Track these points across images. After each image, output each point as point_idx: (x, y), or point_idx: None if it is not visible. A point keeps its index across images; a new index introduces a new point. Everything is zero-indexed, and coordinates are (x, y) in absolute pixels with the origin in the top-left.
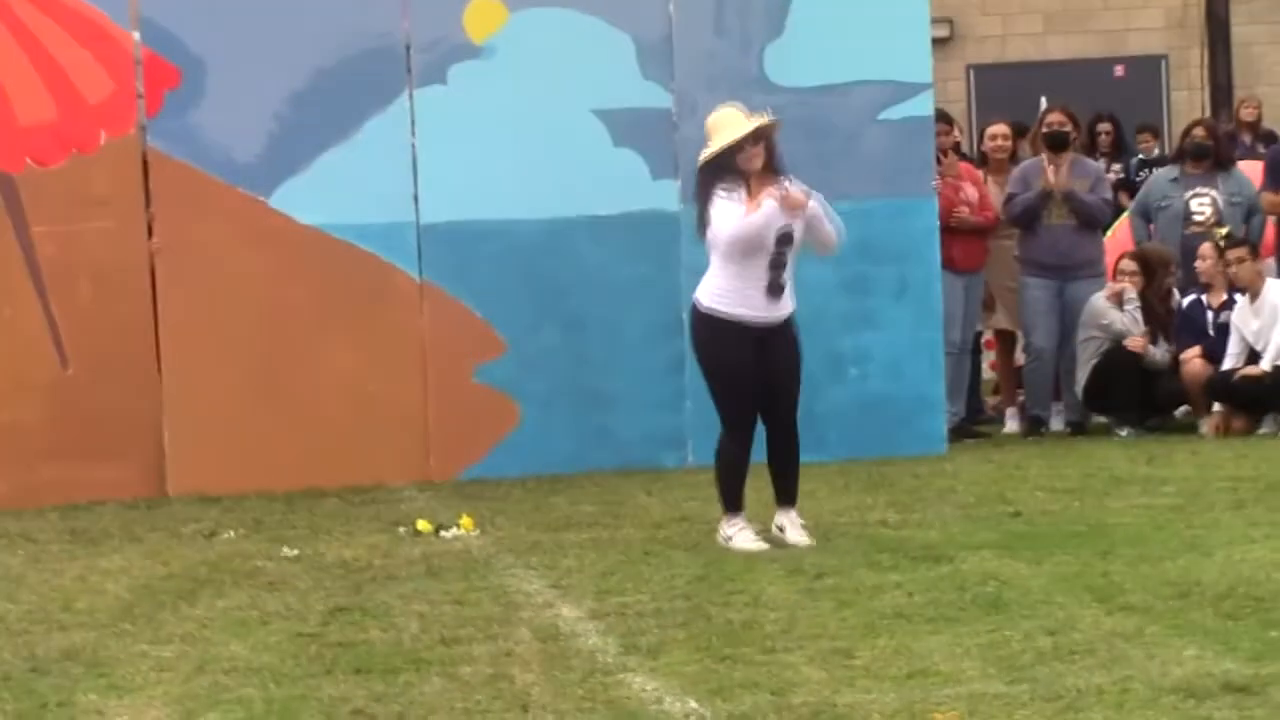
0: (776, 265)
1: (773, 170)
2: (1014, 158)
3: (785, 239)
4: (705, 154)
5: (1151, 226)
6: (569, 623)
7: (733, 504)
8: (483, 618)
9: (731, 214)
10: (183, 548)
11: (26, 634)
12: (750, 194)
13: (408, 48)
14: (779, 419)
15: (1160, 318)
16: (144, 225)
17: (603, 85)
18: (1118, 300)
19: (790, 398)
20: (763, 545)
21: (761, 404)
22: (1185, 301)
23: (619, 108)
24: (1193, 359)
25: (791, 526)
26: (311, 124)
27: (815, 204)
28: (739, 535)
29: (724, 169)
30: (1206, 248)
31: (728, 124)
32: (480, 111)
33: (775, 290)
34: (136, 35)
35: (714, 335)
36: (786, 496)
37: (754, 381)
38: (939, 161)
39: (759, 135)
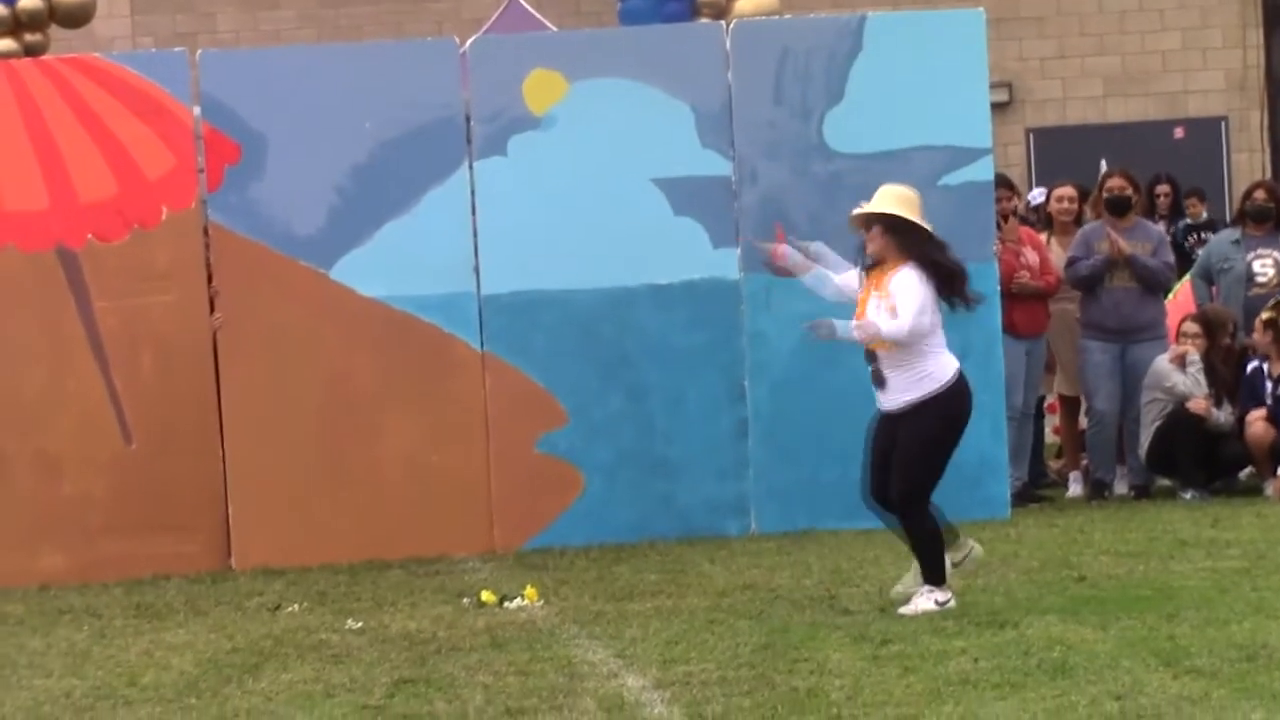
0: (870, 356)
1: (894, 261)
2: (1079, 220)
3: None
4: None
5: (1214, 288)
6: (634, 692)
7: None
8: (548, 688)
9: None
10: (247, 621)
11: (92, 710)
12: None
13: (468, 119)
14: (892, 498)
15: (1223, 380)
16: (205, 299)
17: (662, 154)
18: (1180, 363)
19: (896, 483)
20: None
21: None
22: (1249, 367)
23: (679, 176)
24: (1256, 421)
25: (910, 600)
26: (372, 196)
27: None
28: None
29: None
30: (1261, 319)
31: (874, 199)
32: (540, 181)
33: (877, 380)
34: (197, 110)
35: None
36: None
37: (882, 462)
38: (999, 226)
39: (878, 220)
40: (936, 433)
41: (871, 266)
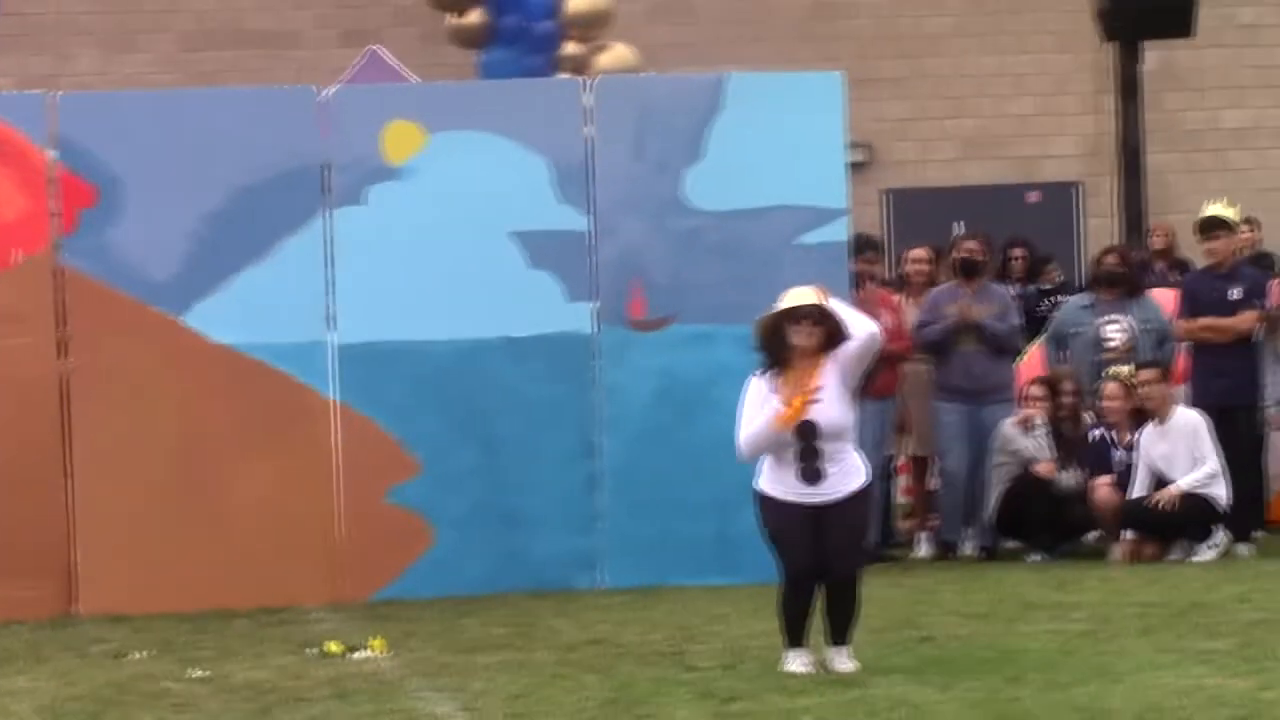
0: (807, 456)
1: (827, 354)
2: (933, 282)
3: (808, 430)
4: (764, 313)
5: (1065, 353)
6: None
7: (793, 640)
8: None
9: (748, 411)
10: (90, 668)
11: None
12: (786, 376)
13: (325, 168)
14: (834, 577)
15: (1069, 443)
16: (54, 343)
17: (520, 207)
18: (1026, 426)
19: (845, 561)
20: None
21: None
22: (1091, 435)
23: (536, 229)
24: (1103, 485)
25: (838, 658)
26: (227, 243)
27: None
28: (792, 661)
29: (776, 338)
30: (1113, 388)
31: (795, 296)
32: (398, 232)
33: (810, 477)
34: (53, 153)
35: (762, 510)
36: (837, 635)
37: (809, 538)
38: (860, 288)
39: (818, 315)
40: (869, 517)
41: (772, 368)
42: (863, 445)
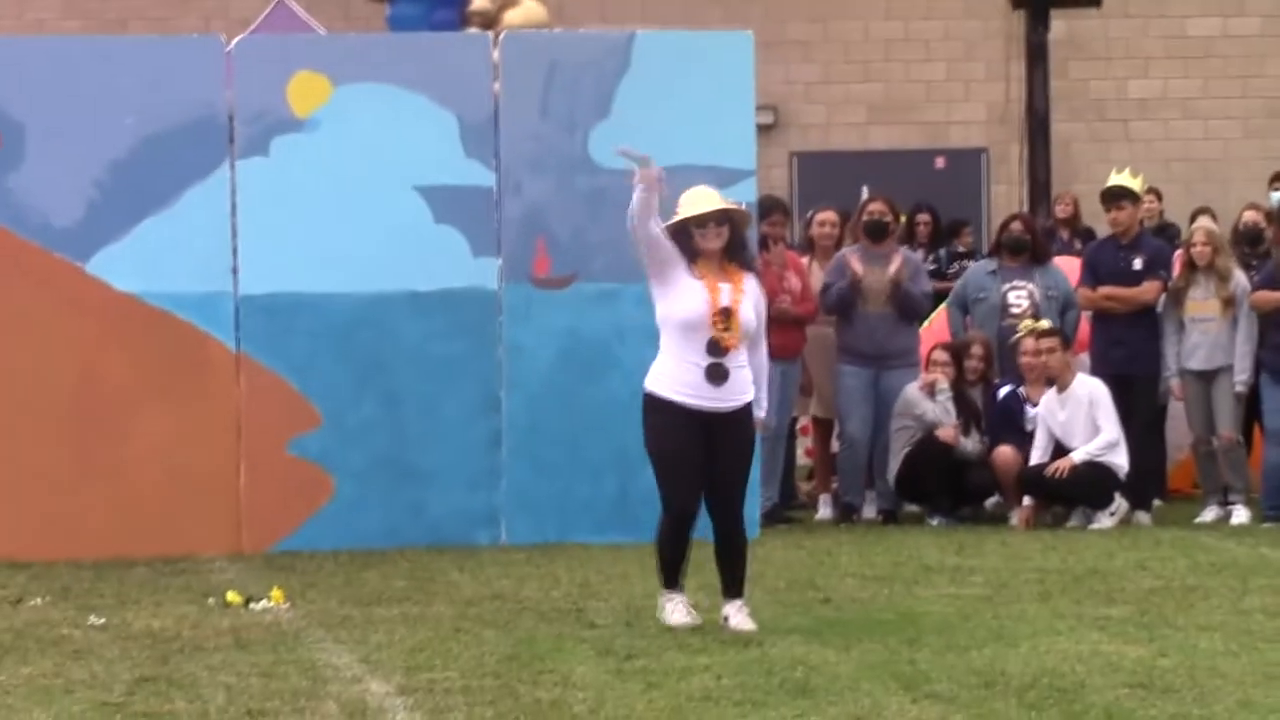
0: (715, 350)
1: (736, 261)
2: (839, 244)
3: (725, 315)
4: (668, 223)
5: (968, 318)
6: (377, 698)
7: (669, 581)
8: (290, 691)
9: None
10: None
11: None
12: (698, 275)
13: (230, 118)
14: (720, 511)
15: (972, 408)
16: None
17: (425, 162)
18: (930, 390)
19: (732, 490)
20: (694, 620)
21: (706, 493)
22: (1001, 393)
23: (441, 184)
24: (1003, 450)
25: (735, 615)
26: (131, 191)
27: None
28: (671, 610)
29: (681, 247)
30: (1031, 343)
31: (698, 199)
32: (302, 184)
33: (718, 375)
34: None
35: (651, 418)
36: (732, 588)
37: (695, 469)
38: (767, 248)
39: (726, 217)
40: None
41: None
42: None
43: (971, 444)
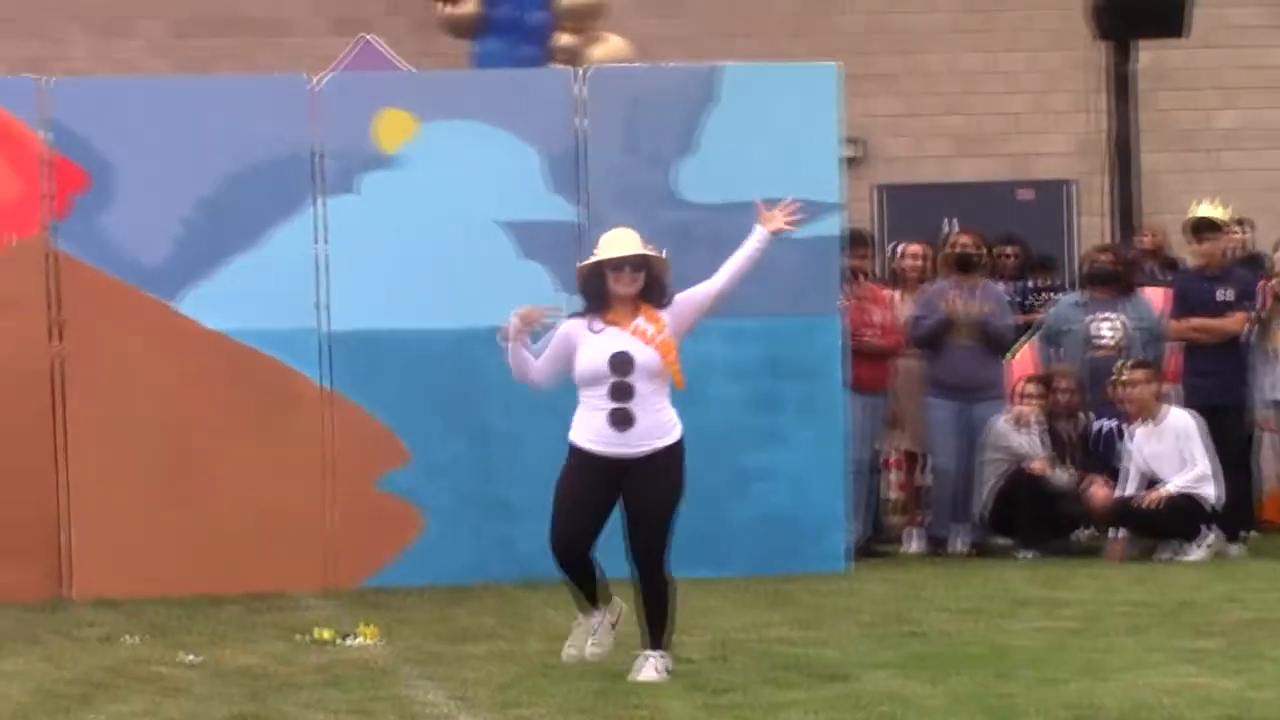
0: (619, 394)
1: (649, 303)
2: (927, 277)
3: (622, 364)
4: (582, 263)
5: (1056, 350)
6: None
7: (577, 604)
8: None
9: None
10: (82, 652)
11: None
12: (608, 320)
13: (318, 155)
14: (636, 557)
15: (1061, 440)
16: (46, 328)
17: (510, 197)
18: (1020, 423)
19: (648, 535)
20: (570, 653)
21: (627, 538)
22: (1097, 428)
23: (526, 220)
24: (1096, 483)
25: (642, 666)
26: (219, 229)
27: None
28: (568, 643)
29: (595, 287)
30: (1138, 374)
31: (615, 242)
32: (389, 220)
33: (620, 420)
34: (45, 137)
35: (567, 462)
36: (646, 638)
37: (583, 512)
38: (855, 281)
39: (644, 263)
40: (682, 484)
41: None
42: (853, 439)
43: (1062, 476)
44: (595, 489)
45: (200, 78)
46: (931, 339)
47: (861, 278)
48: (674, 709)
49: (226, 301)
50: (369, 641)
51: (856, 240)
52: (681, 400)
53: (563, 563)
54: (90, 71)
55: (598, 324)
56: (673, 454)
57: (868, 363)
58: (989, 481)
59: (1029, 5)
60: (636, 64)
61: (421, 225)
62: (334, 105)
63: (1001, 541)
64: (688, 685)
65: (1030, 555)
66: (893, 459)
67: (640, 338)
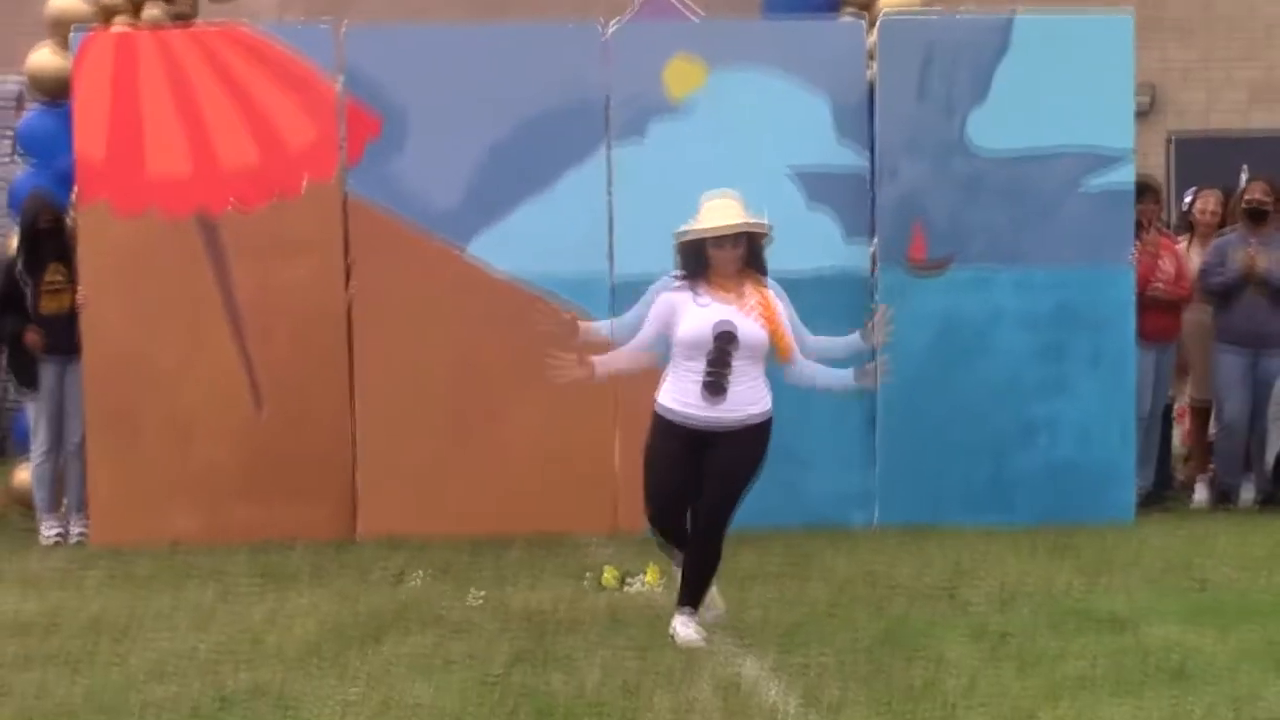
0: (717, 363)
1: (750, 274)
2: (1219, 228)
3: (725, 337)
4: (681, 230)
5: None
6: (751, 677)
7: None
8: (665, 669)
9: (648, 323)
10: (370, 590)
11: (215, 669)
12: (711, 289)
13: (607, 103)
14: (699, 518)
15: None
16: (342, 271)
17: (799, 145)
18: None
19: (716, 502)
20: (701, 641)
21: (698, 503)
22: None
23: (814, 168)
24: None
25: (681, 626)
26: (509, 175)
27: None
28: (681, 628)
29: (694, 257)
30: None
31: (717, 212)
32: (677, 167)
33: (714, 389)
34: (340, 83)
35: (654, 426)
36: (686, 597)
37: (682, 484)
38: (1145, 231)
39: (743, 234)
40: (763, 459)
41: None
42: (1140, 390)
43: None
44: (686, 454)
45: (493, 25)
46: (1226, 293)
47: (1151, 227)
48: (956, 655)
49: (515, 246)
50: (652, 584)
51: (1145, 189)
52: (970, 349)
53: (661, 526)
54: (384, 19)
55: (704, 297)
56: (761, 429)
57: (1156, 313)
58: (1278, 434)
59: None
60: (929, 13)
61: (709, 172)
62: (625, 53)
63: None
64: (971, 632)
65: None
66: (1180, 409)
67: (747, 312)
